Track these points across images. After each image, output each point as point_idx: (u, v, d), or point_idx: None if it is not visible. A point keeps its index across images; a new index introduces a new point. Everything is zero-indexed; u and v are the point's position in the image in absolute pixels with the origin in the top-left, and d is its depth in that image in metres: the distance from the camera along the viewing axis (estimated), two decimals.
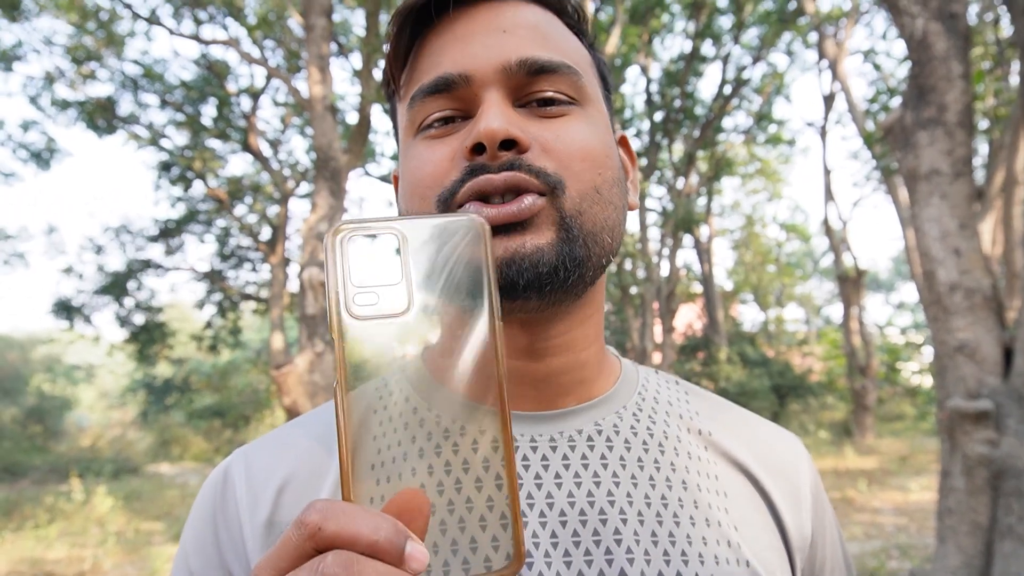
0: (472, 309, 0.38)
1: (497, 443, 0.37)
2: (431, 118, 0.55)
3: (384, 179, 14.04)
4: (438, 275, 0.37)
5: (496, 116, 0.50)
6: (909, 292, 37.77)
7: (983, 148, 7.70)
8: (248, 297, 13.64)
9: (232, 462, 0.60)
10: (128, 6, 9.46)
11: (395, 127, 0.66)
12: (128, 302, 13.17)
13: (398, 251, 0.37)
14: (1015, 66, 6.75)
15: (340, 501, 0.33)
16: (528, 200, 0.50)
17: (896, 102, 9.99)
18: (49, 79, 11.26)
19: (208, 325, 13.81)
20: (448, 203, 0.52)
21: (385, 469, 0.38)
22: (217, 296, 13.81)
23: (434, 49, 0.55)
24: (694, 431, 0.62)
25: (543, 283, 0.50)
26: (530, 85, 0.54)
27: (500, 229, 0.50)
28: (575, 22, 0.61)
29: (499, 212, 0.50)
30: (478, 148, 0.51)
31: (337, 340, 0.36)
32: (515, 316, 0.54)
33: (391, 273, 0.37)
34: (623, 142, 0.66)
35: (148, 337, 13.27)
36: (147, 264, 13.20)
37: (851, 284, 13.26)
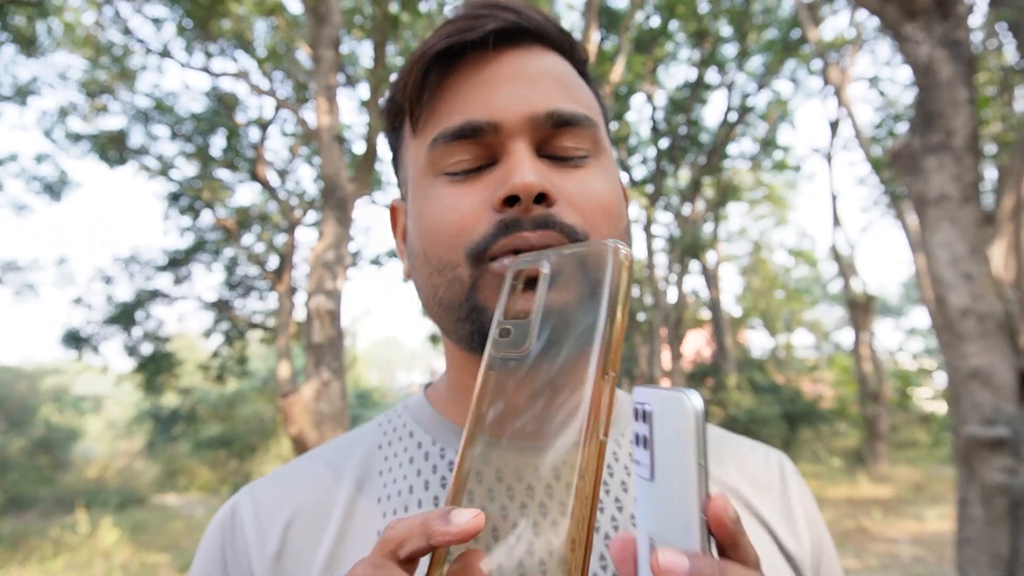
0: (571, 354, 0.35)
1: (559, 472, 0.35)
2: (455, 164, 0.55)
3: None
4: (558, 311, 0.37)
5: (530, 170, 0.52)
6: (920, 317, 37.54)
7: (991, 173, 7.70)
8: (255, 326, 13.66)
9: (240, 498, 0.62)
10: (141, 41, 9.65)
11: (395, 155, 0.66)
12: (136, 332, 13.20)
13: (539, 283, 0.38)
14: (1020, 91, 6.77)
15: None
16: None
17: (902, 128, 10.03)
18: (63, 113, 11.44)
19: (215, 354, 13.81)
20: (481, 256, 0.53)
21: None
22: (224, 325, 13.84)
23: (460, 91, 0.56)
24: None
25: None
26: (554, 137, 0.55)
27: (530, 283, 0.51)
28: (583, 65, 0.63)
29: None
30: (511, 200, 0.52)
31: (480, 369, 0.38)
32: None
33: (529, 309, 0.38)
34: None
35: (155, 367, 13.27)
36: (155, 294, 13.26)
37: (861, 309, 13.18)
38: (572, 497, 0.33)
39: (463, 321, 0.55)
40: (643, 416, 0.37)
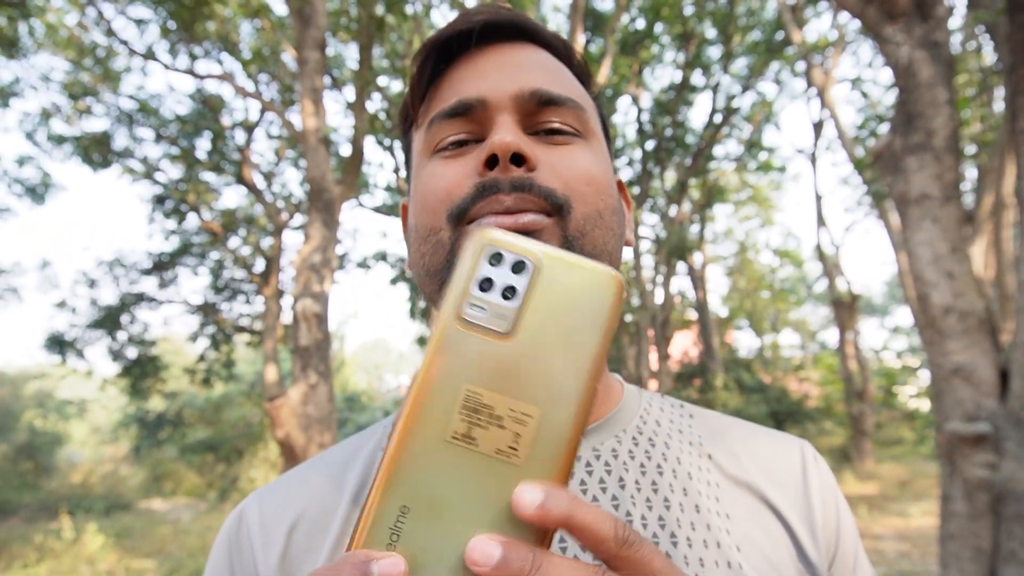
0: (574, 359, 0.35)
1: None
2: (447, 140, 0.58)
3: (378, 210, 14.09)
4: (554, 313, 0.35)
5: (508, 132, 0.54)
6: (903, 316, 37.89)
7: (971, 173, 7.80)
8: (242, 329, 13.57)
9: (248, 504, 0.63)
10: (125, 43, 9.56)
11: (407, 161, 0.69)
12: (121, 336, 13.07)
13: (529, 275, 0.36)
14: (999, 92, 6.86)
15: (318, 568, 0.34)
16: (532, 217, 0.53)
17: (884, 128, 10.12)
18: (45, 115, 11.32)
19: (201, 358, 13.70)
20: (460, 218, 0.55)
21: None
22: (210, 329, 13.73)
23: (454, 81, 0.60)
24: (695, 454, 0.63)
25: None
26: (539, 114, 0.57)
27: (516, 267, 0.52)
28: (581, 73, 0.66)
29: (515, 222, 0.52)
30: (491, 161, 0.54)
31: (433, 336, 0.35)
32: None
33: (511, 293, 0.36)
34: (620, 186, 0.69)
35: (141, 371, 13.15)
36: (140, 297, 13.14)
37: (845, 309, 13.29)
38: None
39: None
40: (516, 266, 0.36)
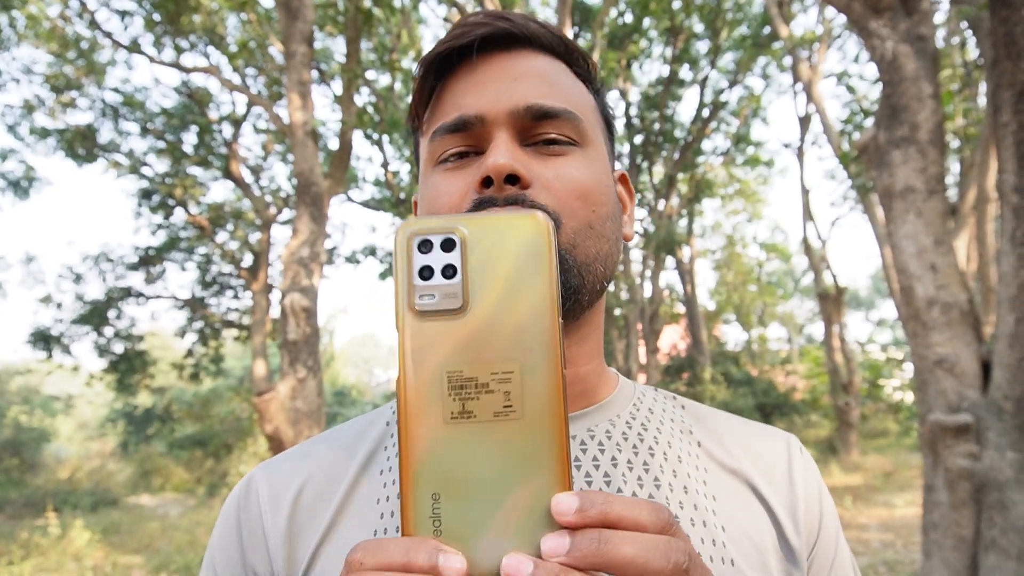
0: (530, 307, 0.37)
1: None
2: (448, 152, 0.62)
3: (366, 204, 14.05)
4: (496, 273, 0.38)
5: (503, 153, 0.57)
6: (888, 309, 38.25)
7: (954, 167, 7.87)
8: (230, 324, 13.50)
9: (255, 472, 0.66)
10: (109, 35, 9.46)
11: (416, 157, 0.72)
12: (108, 331, 12.98)
13: (460, 249, 0.38)
14: (983, 87, 6.93)
15: (381, 538, 0.36)
16: None
17: (869, 122, 10.18)
18: (28, 108, 11.20)
19: (189, 353, 13.63)
20: None
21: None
22: (198, 324, 13.67)
23: (455, 92, 0.62)
24: (686, 441, 0.66)
25: None
26: (535, 128, 0.60)
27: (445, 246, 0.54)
28: (582, 70, 0.68)
29: None
30: (487, 181, 0.57)
31: (399, 336, 0.37)
32: None
33: (451, 271, 0.38)
34: (623, 179, 0.74)
35: (128, 366, 13.06)
36: (127, 292, 13.04)
37: (831, 302, 13.38)
38: (567, 473, 0.36)
39: None
40: (444, 244, 0.38)
